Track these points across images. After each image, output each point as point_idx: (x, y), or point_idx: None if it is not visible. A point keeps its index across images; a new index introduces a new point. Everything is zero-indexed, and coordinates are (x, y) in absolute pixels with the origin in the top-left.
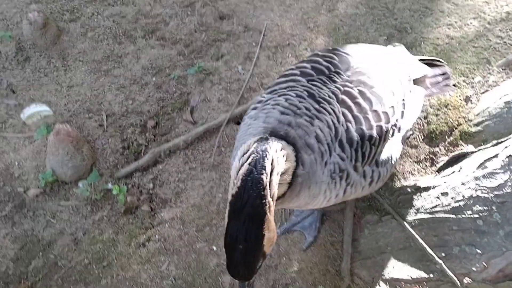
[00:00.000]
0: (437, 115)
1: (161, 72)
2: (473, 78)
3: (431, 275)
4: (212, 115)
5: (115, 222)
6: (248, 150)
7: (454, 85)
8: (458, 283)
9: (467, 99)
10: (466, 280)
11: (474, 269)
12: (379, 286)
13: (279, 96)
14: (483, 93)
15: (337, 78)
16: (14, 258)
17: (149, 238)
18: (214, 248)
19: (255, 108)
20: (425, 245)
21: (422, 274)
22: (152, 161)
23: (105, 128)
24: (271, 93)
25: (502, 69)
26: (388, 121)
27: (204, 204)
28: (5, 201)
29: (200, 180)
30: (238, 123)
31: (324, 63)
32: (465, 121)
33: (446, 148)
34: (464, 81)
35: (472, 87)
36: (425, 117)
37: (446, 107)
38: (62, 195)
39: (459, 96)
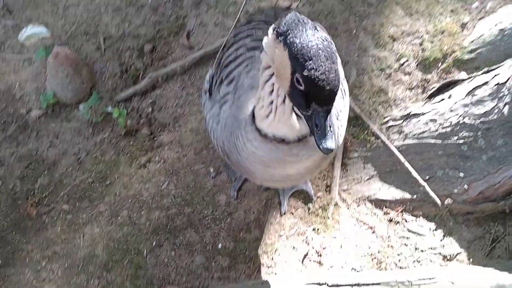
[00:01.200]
0: (432, 42)
1: None
2: (471, 3)
3: (415, 196)
4: (208, 40)
5: (116, 144)
6: None
7: (451, 10)
8: (440, 204)
9: (463, 26)
10: (448, 201)
11: (456, 191)
12: (365, 206)
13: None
14: (479, 19)
15: None
16: (20, 176)
17: (149, 160)
18: (211, 169)
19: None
20: (410, 168)
21: (406, 195)
22: (150, 85)
23: (103, 51)
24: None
25: None
26: None
27: (201, 129)
28: (9, 122)
29: (197, 106)
30: None
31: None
32: (460, 48)
33: (439, 75)
34: (461, 6)
35: (469, 13)
36: (420, 44)
37: (441, 33)
38: (63, 116)
39: (456, 22)
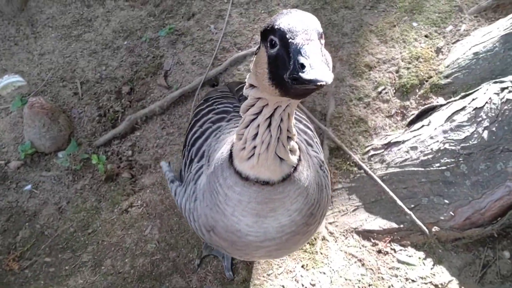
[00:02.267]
0: (408, 68)
1: (132, 35)
2: (445, 27)
3: (402, 225)
4: (186, 79)
5: (97, 190)
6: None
7: (426, 36)
8: (427, 232)
9: (438, 51)
10: (435, 228)
11: (442, 218)
12: (353, 238)
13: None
14: (454, 42)
15: None
16: (1, 230)
17: (131, 204)
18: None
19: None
20: (395, 197)
21: (393, 225)
22: (129, 128)
23: (81, 96)
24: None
25: (474, 17)
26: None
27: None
28: None
29: (179, 145)
30: (213, 86)
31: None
32: (436, 74)
33: (417, 102)
34: (436, 31)
35: (444, 37)
36: (397, 71)
37: (417, 59)
38: (42, 165)
39: (430, 48)
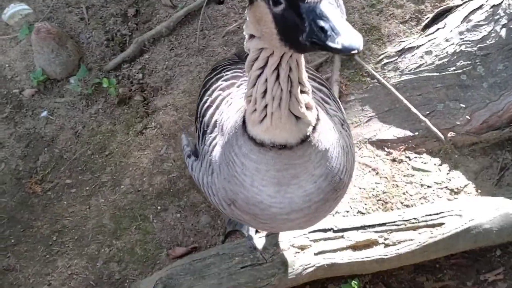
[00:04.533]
0: None
1: None
2: None
3: (416, 133)
4: None
5: (111, 113)
6: None
7: None
8: (443, 138)
9: None
10: (450, 134)
11: (458, 123)
12: (367, 148)
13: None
14: None
15: None
16: (21, 155)
17: (145, 126)
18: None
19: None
20: (409, 105)
21: (407, 133)
22: (137, 51)
23: (87, 21)
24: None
25: None
26: None
27: (194, 89)
28: (3, 103)
29: (188, 66)
30: (219, 3)
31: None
32: None
33: (432, 4)
34: None
35: None
36: None
37: None
38: (56, 92)
39: None
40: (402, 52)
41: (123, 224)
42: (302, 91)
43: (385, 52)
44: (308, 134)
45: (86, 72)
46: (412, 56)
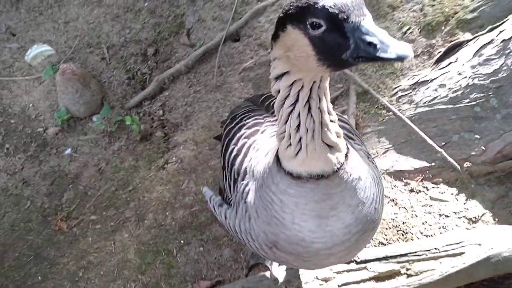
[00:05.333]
0: (432, 5)
1: None
2: None
3: (433, 164)
4: (208, 35)
5: (133, 149)
6: None
7: None
8: (459, 168)
9: None
10: (466, 164)
11: (473, 153)
12: (385, 179)
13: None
14: None
15: None
16: (47, 193)
17: (167, 161)
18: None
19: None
20: (425, 136)
21: (424, 164)
22: (158, 88)
23: (108, 61)
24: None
25: None
26: None
27: (213, 124)
28: (28, 142)
29: (206, 102)
30: (235, 41)
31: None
32: (461, 8)
33: (443, 39)
34: None
35: None
36: (421, 10)
37: None
38: (79, 130)
39: None
40: (416, 85)
41: (147, 259)
42: (331, 120)
43: (399, 86)
44: (342, 161)
45: (110, 111)
46: (426, 89)
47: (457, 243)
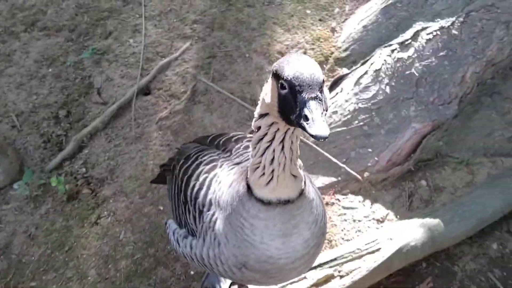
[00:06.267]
0: (313, 48)
1: (55, 61)
2: (333, 10)
3: (339, 178)
4: (119, 92)
5: (62, 210)
6: None
7: (319, 19)
8: (360, 178)
9: (333, 30)
10: (366, 174)
11: (369, 164)
12: None
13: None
14: (343, 22)
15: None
16: None
17: (99, 216)
18: (161, 207)
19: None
20: (329, 156)
21: (332, 179)
22: (76, 147)
23: (20, 127)
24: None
25: None
26: None
27: (139, 173)
28: None
29: (128, 154)
30: (146, 94)
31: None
32: (336, 49)
33: (327, 75)
34: (326, 14)
35: (334, 18)
36: (305, 53)
37: (318, 40)
38: (0, 200)
39: (326, 29)
40: None
41: None
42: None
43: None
44: (302, 188)
45: (32, 175)
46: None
47: (373, 241)
